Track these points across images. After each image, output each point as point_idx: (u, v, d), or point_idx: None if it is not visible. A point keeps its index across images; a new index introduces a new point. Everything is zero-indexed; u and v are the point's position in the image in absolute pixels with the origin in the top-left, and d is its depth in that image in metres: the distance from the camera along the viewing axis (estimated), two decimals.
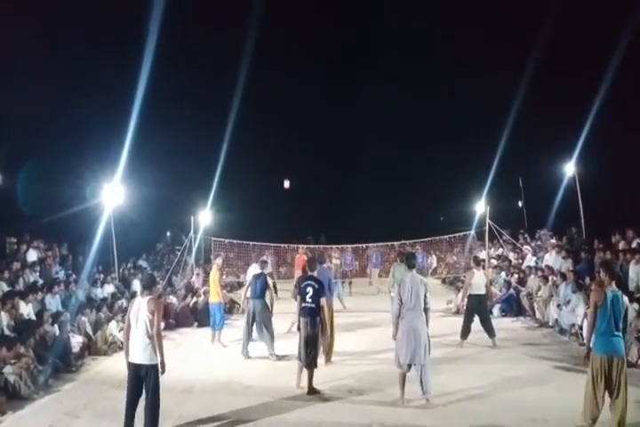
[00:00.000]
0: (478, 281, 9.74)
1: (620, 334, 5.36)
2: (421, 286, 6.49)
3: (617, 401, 5.30)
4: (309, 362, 7.11)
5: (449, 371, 7.87)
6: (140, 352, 5.56)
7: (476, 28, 21.16)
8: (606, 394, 5.41)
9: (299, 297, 7.35)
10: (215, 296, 10.44)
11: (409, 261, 6.87)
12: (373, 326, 11.38)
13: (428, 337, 6.55)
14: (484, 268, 11.50)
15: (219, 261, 11.12)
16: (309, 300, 7.22)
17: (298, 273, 15.13)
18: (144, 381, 5.59)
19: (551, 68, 17.41)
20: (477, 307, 9.71)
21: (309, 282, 7.33)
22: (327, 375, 7.67)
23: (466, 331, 9.67)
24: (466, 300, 10.08)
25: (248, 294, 9.39)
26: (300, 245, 17.44)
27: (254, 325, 9.06)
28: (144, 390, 5.59)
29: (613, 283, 5.55)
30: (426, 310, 6.53)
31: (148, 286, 5.90)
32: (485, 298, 9.97)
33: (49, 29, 14.64)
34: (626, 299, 5.60)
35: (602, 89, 14.10)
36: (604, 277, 5.74)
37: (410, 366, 6.49)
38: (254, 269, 10.82)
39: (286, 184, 27.68)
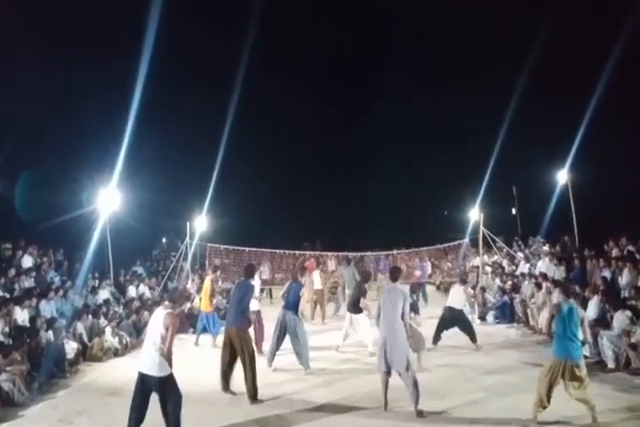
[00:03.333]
0: (454, 295, 10.06)
1: (576, 340, 5.98)
2: (399, 296, 6.70)
3: (581, 393, 5.94)
4: None
5: (442, 378, 7.91)
6: (147, 363, 5.47)
7: (469, 37, 21.35)
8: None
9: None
10: (208, 306, 10.79)
11: (393, 274, 7.27)
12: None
13: (408, 345, 6.74)
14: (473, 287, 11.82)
15: (216, 272, 11.62)
16: None
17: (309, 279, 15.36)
18: (157, 393, 5.46)
19: (544, 76, 17.58)
20: (450, 319, 9.88)
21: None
22: (328, 387, 7.69)
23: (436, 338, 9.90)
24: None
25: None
26: (307, 252, 17.70)
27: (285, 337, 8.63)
28: (166, 403, 5.45)
29: (570, 299, 6.29)
30: (402, 318, 6.70)
31: (173, 299, 5.89)
32: (458, 313, 10.02)
33: (46, 38, 14.70)
34: (581, 311, 6.34)
35: (594, 97, 14.25)
36: (559, 294, 6.68)
37: (389, 372, 6.62)
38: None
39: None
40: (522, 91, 17.06)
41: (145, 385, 5.46)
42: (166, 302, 5.76)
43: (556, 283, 9.29)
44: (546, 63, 16.84)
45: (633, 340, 7.95)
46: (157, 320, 5.53)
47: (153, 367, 5.42)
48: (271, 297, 17.00)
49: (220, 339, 10.21)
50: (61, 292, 11.05)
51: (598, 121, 14.44)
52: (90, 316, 10.46)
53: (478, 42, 20.75)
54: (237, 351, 7.23)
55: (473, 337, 9.89)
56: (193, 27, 19.74)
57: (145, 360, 5.49)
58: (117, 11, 16.01)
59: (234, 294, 7.58)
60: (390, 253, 18.61)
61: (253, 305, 10.18)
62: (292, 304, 8.66)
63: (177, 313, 5.91)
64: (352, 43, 25.57)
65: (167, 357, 5.43)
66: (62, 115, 15.84)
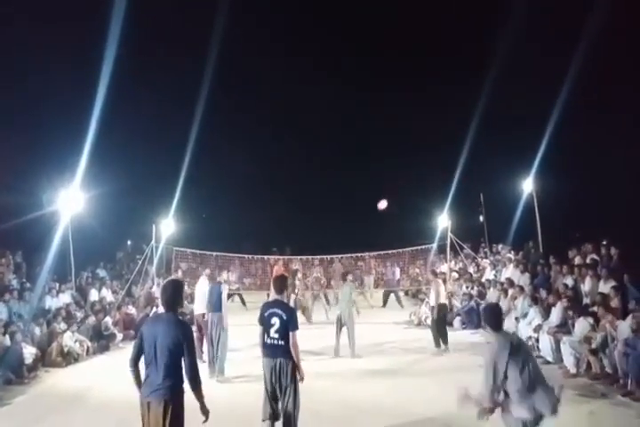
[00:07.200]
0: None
1: None
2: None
3: None
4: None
5: (411, 387, 7.87)
6: None
7: (437, 44, 21.56)
8: None
9: (261, 329, 5.35)
10: None
11: None
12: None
13: None
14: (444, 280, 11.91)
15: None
16: (275, 335, 5.19)
17: None
18: None
19: (510, 85, 17.86)
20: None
21: (274, 310, 5.28)
22: None
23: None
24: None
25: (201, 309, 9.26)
26: (276, 257, 17.56)
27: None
28: None
29: None
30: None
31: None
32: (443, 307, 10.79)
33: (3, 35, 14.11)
34: None
35: (558, 107, 14.66)
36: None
37: None
38: (203, 281, 10.01)
39: None
40: (488, 100, 17.41)
41: None
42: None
43: None
44: (511, 70, 17.10)
45: (593, 346, 8.11)
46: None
47: None
48: (244, 303, 16.79)
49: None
50: (16, 293, 10.69)
51: (563, 132, 14.84)
52: (48, 320, 10.13)
53: (445, 45, 20.98)
54: None
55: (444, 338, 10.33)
56: (161, 25, 19.22)
57: None
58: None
59: None
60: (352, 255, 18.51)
61: (199, 308, 9.73)
62: (217, 306, 8.67)
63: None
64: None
65: None
66: (21, 111, 15.23)
